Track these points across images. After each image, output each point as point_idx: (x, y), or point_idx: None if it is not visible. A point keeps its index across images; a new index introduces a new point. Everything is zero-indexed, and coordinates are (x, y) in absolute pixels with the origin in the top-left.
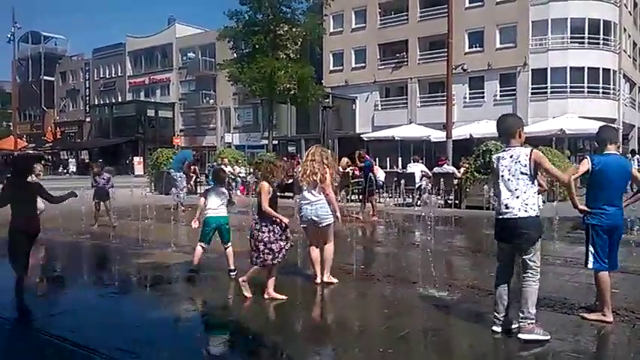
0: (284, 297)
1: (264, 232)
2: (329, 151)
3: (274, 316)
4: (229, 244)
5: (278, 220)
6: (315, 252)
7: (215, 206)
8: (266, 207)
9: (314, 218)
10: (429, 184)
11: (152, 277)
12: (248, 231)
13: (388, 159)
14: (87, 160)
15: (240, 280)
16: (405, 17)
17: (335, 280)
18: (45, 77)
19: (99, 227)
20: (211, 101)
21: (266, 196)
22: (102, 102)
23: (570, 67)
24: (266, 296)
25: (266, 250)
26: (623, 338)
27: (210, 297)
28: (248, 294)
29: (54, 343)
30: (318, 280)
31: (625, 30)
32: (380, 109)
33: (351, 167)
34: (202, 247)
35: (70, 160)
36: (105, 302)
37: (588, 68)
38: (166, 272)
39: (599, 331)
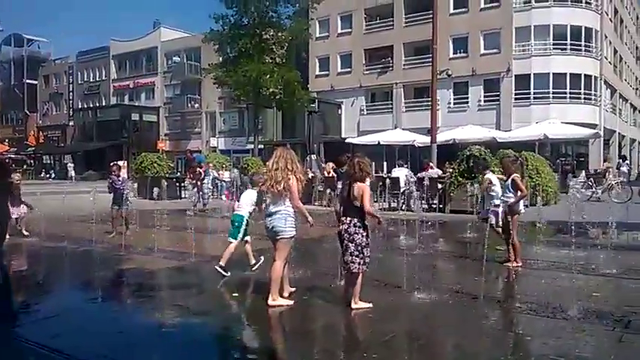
0: (370, 305)
1: (362, 236)
2: (292, 153)
3: (259, 320)
4: (230, 239)
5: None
6: (274, 268)
7: (236, 206)
8: (369, 208)
9: (271, 231)
10: (414, 179)
11: (140, 283)
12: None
13: (373, 164)
14: (70, 165)
15: (353, 307)
16: (391, 23)
17: (286, 303)
18: (28, 80)
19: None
20: (196, 105)
21: (369, 197)
22: (86, 106)
23: (553, 73)
24: (354, 306)
25: (367, 253)
26: (604, 340)
27: (195, 302)
28: (368, 305)
29: (32, 350)
30: (285, 293)
31: (606, 37)
32: (365, 113)
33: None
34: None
35: (69, 164)
36: (89, 308)
37: (570, 74)
38: (155, 278)
39: (580, 334)
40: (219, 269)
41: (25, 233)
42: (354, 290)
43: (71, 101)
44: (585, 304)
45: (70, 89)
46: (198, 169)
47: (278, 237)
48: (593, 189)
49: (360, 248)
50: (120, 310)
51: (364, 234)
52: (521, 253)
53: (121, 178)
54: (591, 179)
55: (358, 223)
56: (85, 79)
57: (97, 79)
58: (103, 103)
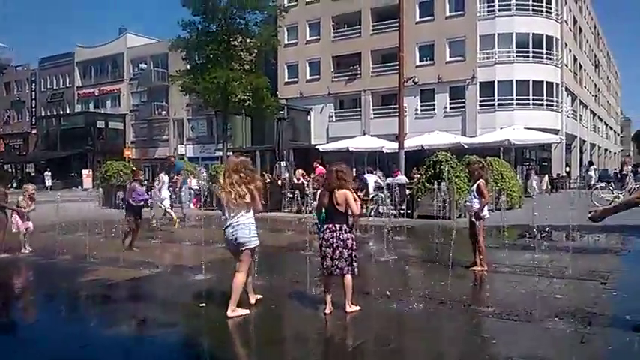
0: (358, 307)
1: (352, 239)
2: (245, 161)
3: (224, 329)
4: None
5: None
6: (235, 279)
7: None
8: (358, 211)
9: (234, 243)
10: (380, 183)
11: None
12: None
13: None
14: (33, 174)
15: (349, 310)
16: (358, 30)
17: (244, 312)
18: None
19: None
20: (164, 112)
21: (353, 201)
22: (49, 113)
23: (516, 80)
24: (349, 309)
25: (356, 257)
26: (566, 342)
27: (155, 315)
28: (356, 308)
29: None
30: (252, 300)
31: (566, 45)
32: (334, 120)
33: (305, 179)
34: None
35: (46, 173)
36: (51, 322)
37: (533, 81)
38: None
39: (544, 336)
40: None
41: (28, 249)
42: (348, 295)
43: (34, 109)
44: (548, 306)
45: (33, 96)
46: (176, 177)
47: (243, 248)
48: (615, 194)
49: (352, 252)
50: (84, 323)
51: (354, 237)
52: (487, 256)
53: (144, 187)
54: (612, 183)
55: (347, 229)
56: (49, 87)
57: (61, 86)
58: (68, 111)
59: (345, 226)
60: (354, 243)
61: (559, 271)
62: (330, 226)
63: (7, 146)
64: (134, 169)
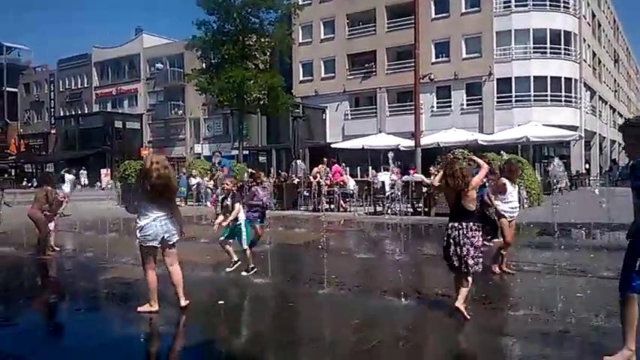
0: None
1: (479, 237)
2: (163, 158)
3: (238, 327)
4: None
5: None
6: (153, 277)
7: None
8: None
9: (165, 235)
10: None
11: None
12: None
13: (359, 168)
14: (53, 173)
15: (459, 306)
16: (373, 28)
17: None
18: (8, 88)
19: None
20: (180, 112)
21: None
22: (67, 114)
23: (534, 77)
24: (461, 306)
25: (479, 254)
26: (590, 341)
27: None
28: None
29: None
30: (155, 308)
31: (584, 40)
32: (350, 118)
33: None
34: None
35: (81, 172)
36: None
37: (551, 77)
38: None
39: (564, 334)
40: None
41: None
42: (467, 291)
43: (53, 109)
44: (570, 305)
45: (52, 97)
46: (221, 172)
47: (174, 239)
48: None
49: (479, 251)
50: (101, 323)
51: (481, 235)
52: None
53: (266, 186)
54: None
55: (474, 227)
56: (67, 87)
57: (79, 86)
58: (86, 111)
59: (471, 224)
60: (481, 240)
61: (580, 269)
62: (456, 224)
63: (28, 146)
64: (253, 171)
